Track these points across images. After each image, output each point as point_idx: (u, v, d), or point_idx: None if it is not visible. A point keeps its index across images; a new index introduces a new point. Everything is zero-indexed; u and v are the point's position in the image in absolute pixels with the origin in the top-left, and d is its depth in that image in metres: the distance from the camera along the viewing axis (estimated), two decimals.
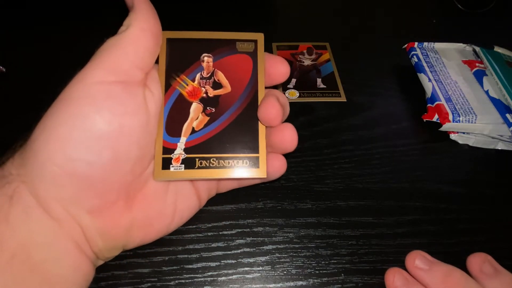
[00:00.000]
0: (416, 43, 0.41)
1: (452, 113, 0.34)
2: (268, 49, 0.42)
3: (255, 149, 0.25)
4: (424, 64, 0.39)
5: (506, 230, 0.29)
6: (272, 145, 0.24)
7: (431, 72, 0.38)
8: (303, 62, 0.40)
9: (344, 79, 0.39)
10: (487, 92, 0.37)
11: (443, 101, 0.35)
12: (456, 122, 0.34)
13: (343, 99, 0.37)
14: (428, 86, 0.37)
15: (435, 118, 0.35)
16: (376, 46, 0.44)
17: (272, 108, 0.23)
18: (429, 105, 0.36)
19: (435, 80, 0.38)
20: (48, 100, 0.21)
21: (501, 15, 0.49)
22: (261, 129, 0.25)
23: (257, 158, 0.24)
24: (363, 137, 0.34)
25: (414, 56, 0.40)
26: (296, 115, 0.36)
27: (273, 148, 0.25)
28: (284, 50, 0.41)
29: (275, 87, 0.27)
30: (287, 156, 0.30)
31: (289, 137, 0.24)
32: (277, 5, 0.49)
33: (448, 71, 0.38)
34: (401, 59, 0.42)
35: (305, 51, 0.41)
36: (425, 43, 0.41)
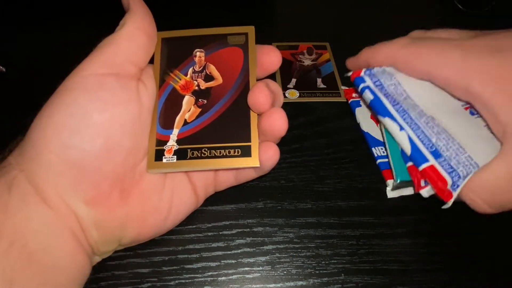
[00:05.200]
0: (363, 71, 0.28)
1: (452, 178, 0.23)
2: None
3: (247, 138, 0.24)
4: (385, 101, 0.26)
5: (507, 230, 0.29)
6: (263, 131, 0.24)
7: (397, 111, 0.26)
8: (303, 62, 0.40)
9: (344, 79, 0.39)
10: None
11: (431, 160, 0.24)
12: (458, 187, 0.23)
13: (343, 99, 0.37)
14: (402, 138, 0.25)
15: (426, 191, 0.25)
16: None
17: (261, 93, 0.24)
18: (409, 164, 0.26)
19: (408, 124, 0.25)
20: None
21: (501, 15, 0.49)
22: (253, 118, 0.25)
23: (249, 147, 0.24)
24: (363, 137, 0.34)
25: (367, 91, 0.27)
26: (296, 115, 0.36)
27: (265, 134, 0.25)
28: (284, 50, 0.41)
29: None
30: (287, 155, 0.30)
31: (278, 120, 0.24)
32: (278, 5, 0.49)
33: (417, 102, 0.26)
34: None
35: (305, 51, 0.41)
36: (375, 68, 0.28)
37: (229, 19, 0.45)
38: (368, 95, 0.27)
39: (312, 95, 0.37)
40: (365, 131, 0.33)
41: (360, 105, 0.33)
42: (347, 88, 0.36)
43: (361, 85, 0.28)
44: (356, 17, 0.47)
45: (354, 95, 0.35)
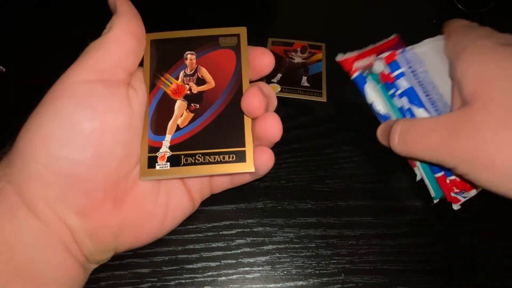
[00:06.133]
0: (398, 52, 0.28)
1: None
2: (263, 44, 0.41)
3: (241, 143, 0.24)
4: (419, 92, 0.27)
5: (507, 230, 0.29)
6: (257, 136, 0.24)
7: (430, 102, 0.27)
8: (294, 59, 0.40)
9: (329, 77, 0.39)
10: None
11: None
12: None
13: (323, 99, 0.37)
14: None
15: (455, 205, 0.28)
16: None
17: (254, 97, 0.23)
18: (438, 174, 0.28)
19: (438, 114, 0.27)
20: None
21: (501, 15, 0.49)
22: (247, 122, 0.25)
23: (244, 152, 0.24)
24: (363, 137, 0.34)
25: (402, 79, 0.27)
26: (296, 115, 0.36)
27: (259, 139, 0.24)
28: (279, 46, 0.41)
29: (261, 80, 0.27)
30: (287, 155, 0.30)
31: (272, 125, 0.23)
32: (279, 3, 0.49)
33: (442, 92, 0.27)
34: None
35: (298, 49, 0.41)
36: (407, 49, 0.28)
37: (229, 14, 0.45)
38: (403, 84, 0.27)
39: (293, 91, 0.37)
40: (384, 114, 0.30)
41: (366, 81, 0.29)
42: (343, 58, 0.31)
43: (396, 72, 0.28)
44: (356, 18, 0.47)
45: (355, 66, 0.30)
